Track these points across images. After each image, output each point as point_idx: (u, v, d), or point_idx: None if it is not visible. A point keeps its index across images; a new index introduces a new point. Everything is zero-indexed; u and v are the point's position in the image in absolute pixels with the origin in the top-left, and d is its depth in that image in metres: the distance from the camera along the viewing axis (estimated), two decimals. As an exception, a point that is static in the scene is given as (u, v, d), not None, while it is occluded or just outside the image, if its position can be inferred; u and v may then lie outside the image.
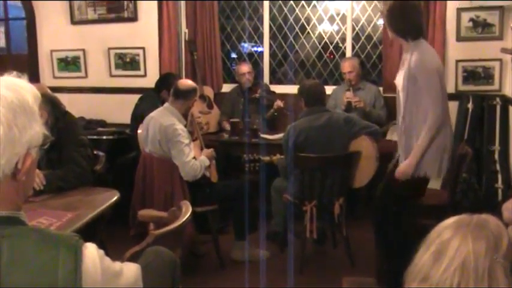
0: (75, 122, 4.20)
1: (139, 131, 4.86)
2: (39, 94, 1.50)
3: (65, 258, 1.40)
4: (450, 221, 1.51)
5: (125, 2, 6.70)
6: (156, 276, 2.06)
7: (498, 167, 5.58)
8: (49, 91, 3.83)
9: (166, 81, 5.67)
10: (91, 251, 1.46)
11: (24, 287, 1.36)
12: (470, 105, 5.77)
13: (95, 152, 4.41)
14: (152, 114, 4.68)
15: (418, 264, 1.48)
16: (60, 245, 1.43)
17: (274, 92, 6.55)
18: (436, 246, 1.46)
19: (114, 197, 3.38)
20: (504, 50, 5.04)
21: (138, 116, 4.90)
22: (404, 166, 3.85)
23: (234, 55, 7.20)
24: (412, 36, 3.79)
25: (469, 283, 1.38)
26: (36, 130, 1.46)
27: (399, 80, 3.94)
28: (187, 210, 2.62)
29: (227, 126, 6.17)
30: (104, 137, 5.87)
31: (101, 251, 1.50)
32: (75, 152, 3.72)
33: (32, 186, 1.56)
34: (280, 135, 5.58)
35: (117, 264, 1.59)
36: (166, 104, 4.71)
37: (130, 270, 1.65)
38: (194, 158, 4.54)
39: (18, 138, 1.41)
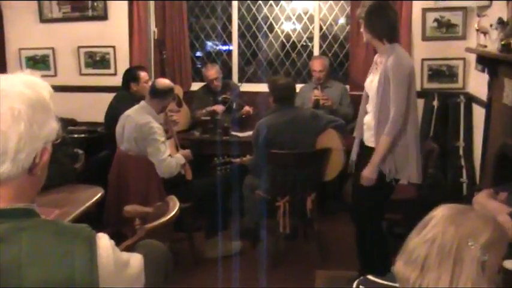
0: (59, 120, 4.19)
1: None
2: (53, 91, 1.57)
3: (81, 249, 1.47)
4: (445, 205, 1.66)
5: (89, 2, 6.70)
6: (151, 268, 2.11)
7: (463, 162, 5.77)
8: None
9: (129, 75, 5.75)
10: (104, 242, 1.54)
11: (43, 276, 1.42)
12: (435, 103, 5.95)
13: (75, 150, 4.44)
14: (128, 112, 4.70)
15: (408, 236, 1.65)
16: (76, 236, 1.49)
17: (242, 94, 6.54)
18: (422, 223, 1.64)
19: (99, 193, 3.44)
20: (469, 50, 5.20)
21: (115, 116, 4.90)
22: (366, 173, 3.92)
23: (199, 54, 7.23)
24: (388, 38, 3.88)
25: (433, 256, 1.55)
26: (52, 126, 1.54)
27: (369, 83, 4.04)
28: (175, 205, 2.70)
29: (201, 114, 6.25)
30: (76, 136, 5.84)
31: (112, 241, 1.57)
32: (58, 151, 3.75)
33: (44, 180, 1.62)
34: (250, 133, 5.66)
35: (125, 254, 1.66)
36: (142, 102, 4.74)
37: (136, 260, 1.73)
38: (170, 155, 4.59)
39: (37, 133, 1.47)
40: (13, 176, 1.47)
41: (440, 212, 1.63)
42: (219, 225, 4.85)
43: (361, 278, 1.84)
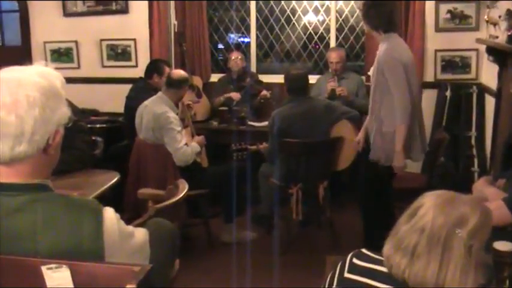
0: (75, 109, 4.38)
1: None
2: (64, 80, 1.75)
3: (89, 219, 1.66)
4: (432, 192, 1.77)
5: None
6: (158, 244, 2.26)
7: (474, 152, 5.85)
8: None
9: (155, 66, 5.90)
10: (110, 214, 1.73)
11: (55, 242, 1.62)
12: (448, 93, 6.01)
13: (93, 138, 4.61)
14: (146, 102, 4.86)
15: (398, 222, 1.76)
16: (84, 208, 1.70)
17: (261, 82, 6.69)
18: (411, 210, 1.74)
19: (115, 177, 3.62)
20: (479, 41, 5.29)
21: (133, 107, 5.07)
22: (395, 162, 4.11)
23: (221, 46, 7.39)
24: (383, 29, 4.05)
25: (423, 245, 1.65)
26: (64, 111, 1.72)
27: (371, 71, 4.23)
28: (183, 188, 2.86)
29: (219, 101, 6.44)
30: (98, 125, 6.02)
31: (117, 215, 1.76)
32: (76, 138, 3.93)
33: (57, 159, 1.81)
34: (266, 123, 5.79)
35: (130, 227, 1.85)
36: (159, 93, 4.89)
37: (140, 233, 1.91)
38: (186, 144, 4.73)
39: (50, 118, 1.67)
40: (30, 155, 1.66)
41: (429, 201, 1.71)
42: (234, 210, 5.00)
43: (356, 250, 1.90)
